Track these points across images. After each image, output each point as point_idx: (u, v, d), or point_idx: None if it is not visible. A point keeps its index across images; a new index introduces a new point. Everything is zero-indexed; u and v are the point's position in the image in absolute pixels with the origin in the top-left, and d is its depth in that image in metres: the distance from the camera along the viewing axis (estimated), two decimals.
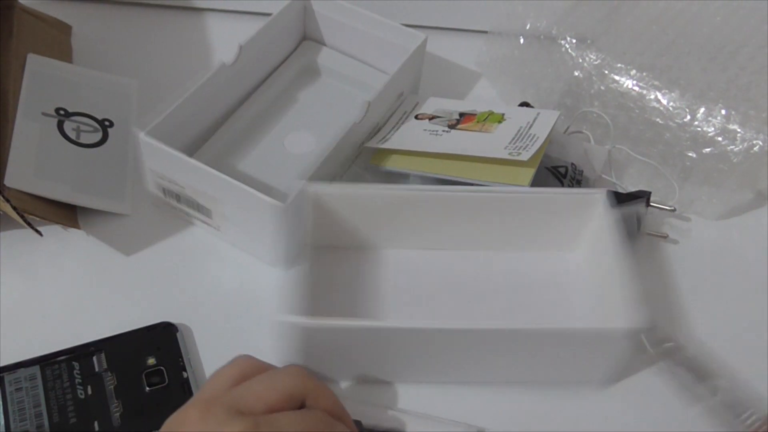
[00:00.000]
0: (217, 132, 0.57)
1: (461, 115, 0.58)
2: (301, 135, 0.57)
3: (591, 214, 0.50)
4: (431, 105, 0.61)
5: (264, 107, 0.60)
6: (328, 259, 0.52)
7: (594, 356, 0.45)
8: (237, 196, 0.47)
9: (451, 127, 0.57)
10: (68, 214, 0.52)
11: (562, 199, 0.50)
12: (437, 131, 0.57)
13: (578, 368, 0.47)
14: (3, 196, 0.47)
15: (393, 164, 0.56)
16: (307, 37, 0.66)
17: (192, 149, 0.55)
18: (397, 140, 0.57)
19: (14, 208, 0.48)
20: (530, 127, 0.54)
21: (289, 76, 0.63)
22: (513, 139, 0.53)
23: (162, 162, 0.50)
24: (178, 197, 0.52)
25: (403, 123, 0.59)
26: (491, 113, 0.58)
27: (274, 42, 0.61)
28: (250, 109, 0.59)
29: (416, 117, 0.60)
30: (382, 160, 0.56)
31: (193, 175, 0.48)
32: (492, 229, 0.51)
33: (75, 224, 0.52)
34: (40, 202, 0.50)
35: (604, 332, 0.44)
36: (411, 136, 0.57)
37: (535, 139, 0.53)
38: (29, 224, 0.48)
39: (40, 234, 0.50)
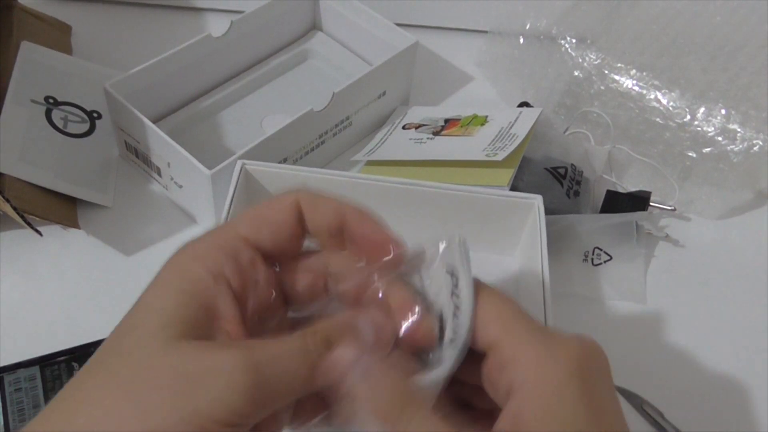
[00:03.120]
0: (195, 101, 0.59)
1: (446, 121, 0.58)
2: (281, 118, 0.57)
3: (526, 220, 0.49)
4: (418, 114, 0.61)
5: (252, 86, 0.62)
6: None
7: None
8: (175, 158, 0.50)
9: (436, 134, 0.57)
10: (68, 214, 0.52)
11: (498, 201, 0.48)
12: (422, 139, 0.57)
13: None
14: (3, 196, 0.47)
15: (378, 175, 0.56)
16: (316, 27, 0.66)
17: (166, 112, 0.58)
18: (383, 152, 0.57)
19: (14, 208, 0.48)
20: (511, 127, 0.54)
21: (286, 61, 0.64)
22: (493, 140, 0.53)
23: (122, 116, 0.52)
24: (135, 152, 0.54)
25: (390, 134, 0.59)
26: (475, 116, 0.58)
27: (273, 25, 0.62)
28: (236, 86, 0.61)
29: (403, 127, 0.60)
30: (369, 173, 0.57)
31: (144, 131, 0.51)
32: (428, 224, 0.50)
33: (75, 224, 0.52)
34: (40, 202, 0.50)
35: None
36: (397, 146, 0.57)
37: (514, 138, 0.52)
38: (29, 224, 0.48)
39: (40, 234, 0.50)
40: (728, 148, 0.55)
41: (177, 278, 0.28)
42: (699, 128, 0.56)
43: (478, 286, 0.29)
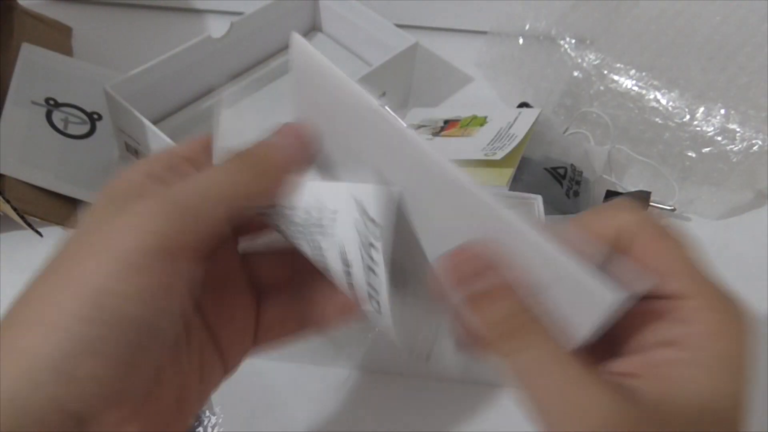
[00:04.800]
0: (195, 102, 0.60)
1: (446, 122, 0.58)
2: (281, 119, 0.57)
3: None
4: (418, 115, 0.61)
5: (252, 88, 0.62)
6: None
7: None
8: None
9: (435, 134, 0.57)
10: (68, 215, 0.52)
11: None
12: None
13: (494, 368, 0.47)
14: (3, 198, 0.47)
15: None
16: (316, 28, 0.66)
17: (166, 114, 0.58)
18: None
19: (15, 209, 0.48)
20: (510, 127, 0.54)
21: (286, 63, 0.64)
22: (492, 140, 0.53)
23: (122, 117, 0.52)
24: (136, 153, 0.54)
25: None
26: (474, 117, 0.58)
27: (272, 26, 0.62)
28: (237, 87, 0.61)
29: None
30: None
31: (144, 132, 0.51)
32: None
33: (75, 225, 0.52)
34: (41, 203, 0.50)
35: None
36: None
37: (513, 138, 0.53)
38: (29, 225, 0.48)
39: (41, 235, 0.50)
40: (728, 147, 0.55)
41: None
42: (698, 128, 0.56)
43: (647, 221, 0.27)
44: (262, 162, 0.28)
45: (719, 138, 0.55)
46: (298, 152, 0.29)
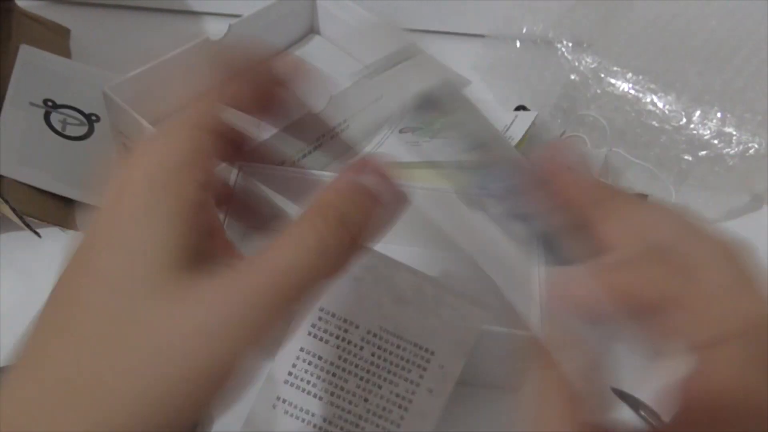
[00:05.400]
0: None
1: None
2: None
3: None
4: (416, 117, 0.61)
5: None
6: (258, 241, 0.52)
7: (502, 359, 0.45)
8: None
9: (432, 137, 0.57)
10: (66, 216, 0.52)
11: None
12: (418, 142, 0.57)
13: (486, 370, 0.46)
14: (2, 198, 0.48)
15: None
16: (314, 31, 0.66)
17: (164, 115, 0.57)
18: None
19: (13, 210, 0.48)
20: (507, 130, 0.55)
21: None
22: None
23: (120, 118, 0.52)
24: None
25: (386, 139, 0.60)
26: None
27: (270, 29, 0.62)
28: None
29: (400, 131, 0.60)
30: None
31: (142, 134, 0.51)
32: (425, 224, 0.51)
33: (73, 226, 0.52)
34: (39, 204, 0.50)
35: (503, 335, 0.43)
36: (391, 150, 0.57)
37: (509, 141, 0.53)
38: (28, 226, 0.48)
39: (39, 236, 0.50)
40: (724, 151, 0.55)
41: (158, 198, 0.23)
42: (695, 131, 0.56)
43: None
44: (356, 244, 0.24)
45: (715, 141, 0.56)
46: (395, 216, 0.25)
